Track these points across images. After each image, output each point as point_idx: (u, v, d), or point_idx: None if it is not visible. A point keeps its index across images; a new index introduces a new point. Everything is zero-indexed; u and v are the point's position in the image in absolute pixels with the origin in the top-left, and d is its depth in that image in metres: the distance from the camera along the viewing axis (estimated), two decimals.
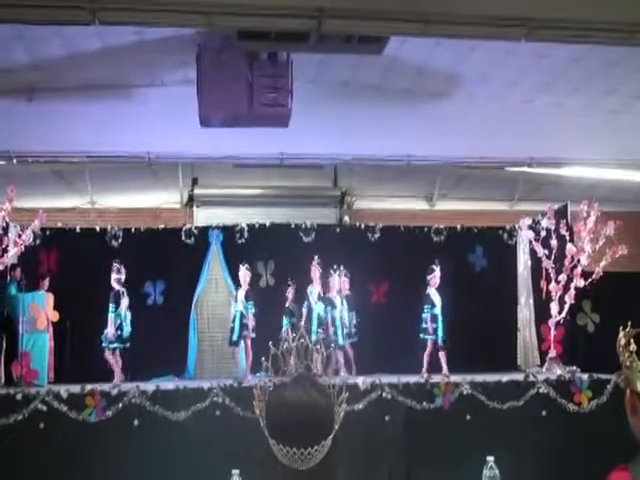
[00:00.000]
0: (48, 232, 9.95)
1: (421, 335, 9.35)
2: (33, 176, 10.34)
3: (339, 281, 9.77)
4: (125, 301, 8.98)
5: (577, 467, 7.14)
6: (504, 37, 6.55)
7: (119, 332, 8.84)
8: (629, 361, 2.01)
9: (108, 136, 9.12)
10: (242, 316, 9.32)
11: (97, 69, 8.71)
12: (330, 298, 9.70)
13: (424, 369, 9.02)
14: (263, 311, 9.65)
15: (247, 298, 9.42)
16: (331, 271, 9.73)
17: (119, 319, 8.88)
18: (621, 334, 2.05)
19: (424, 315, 9.32)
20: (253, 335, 9.34)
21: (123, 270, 9.04)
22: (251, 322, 9.33)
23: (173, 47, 8.24)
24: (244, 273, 9.50)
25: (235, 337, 9.35)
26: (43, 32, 7.53)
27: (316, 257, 9.68)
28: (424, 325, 9.31)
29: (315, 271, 9.65)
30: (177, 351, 10.10)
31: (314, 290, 9.65)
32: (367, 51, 7.40)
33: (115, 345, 8.84)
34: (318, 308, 9.57)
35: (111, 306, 8.88)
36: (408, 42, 7.78)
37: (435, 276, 9.39)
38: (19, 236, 8.76)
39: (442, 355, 9.19)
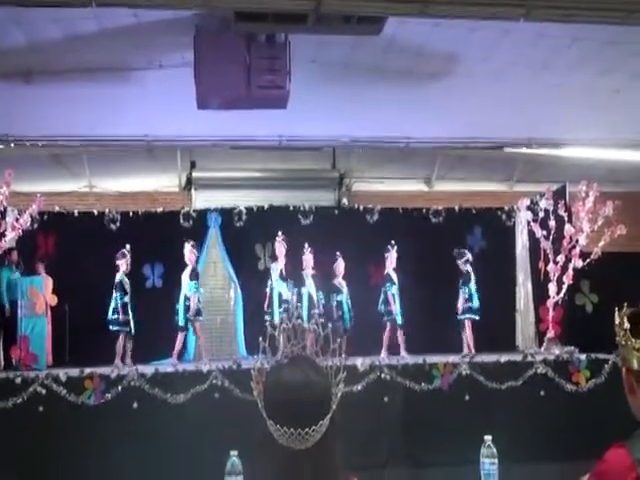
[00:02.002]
0: (46, 216, 9.93)
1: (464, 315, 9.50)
2: (31, 160, 10.31)
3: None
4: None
5: (575, 446, 7.18)
6: (502, 17, 6.52)
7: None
8: (624, 339, 2.04)
9: (106, 119, 9.10)
10: (187, 298, 9.06)
11: (95, 52, 8.67)
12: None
13: (467, 349, 9.26)
14: (262, 293, 9.63)
15: (192, 278, 9.12)
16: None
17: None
18: (616, 314, 2.09)
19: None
20: (201, 318, 9.19)
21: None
22: (193, 304, 9.00)
23: (170, 29, 8.20)
24: (189, 251, 9.22)
25: (181, 321, 9.09)
26: (40, 15, 7.49)
27: (280, 232, 9.59)
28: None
29: (280, 247, 9.51)
30: (176, 334, 10.11)
31: (277, 267, 9.48)
32: (365, 32, 7.36)
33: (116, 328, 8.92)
34: (279, 287, 9.36)
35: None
36: (407, 23, 7.74)
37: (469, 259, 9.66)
38: (17, 220, 8.74)
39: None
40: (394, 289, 9.61)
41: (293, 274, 9.61)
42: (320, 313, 9.18)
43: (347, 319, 9.69)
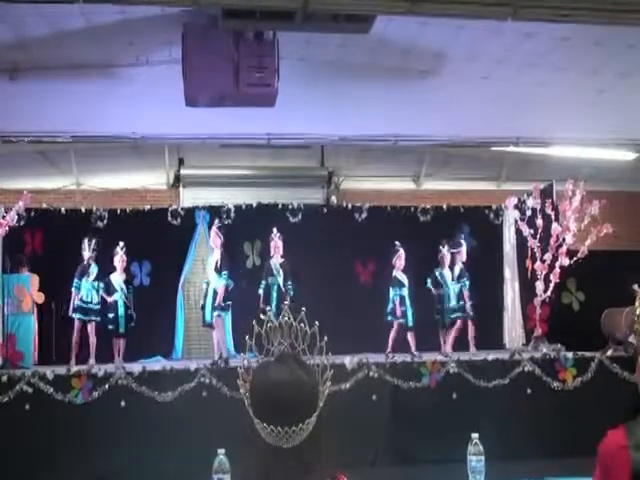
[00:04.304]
0: (33, 213, 9.89)
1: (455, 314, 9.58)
2: (17, 157, 10.26)
3: None
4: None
5: (562, 443, 7.23)
6: (490, 16, 6.52)
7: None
8: None
9: (93, 116, 9.04)
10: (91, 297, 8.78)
11: (81, 48, 8.62)
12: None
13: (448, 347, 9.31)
14: (250, 291, 9.63)
15: (81, 277, 8.84)
16: None
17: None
18: (637, 303, 2.08)
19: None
20: (97, 319, 8.77)
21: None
22: (73, 302, 8.65)
23: (158, 26, 8.17)
24: (86, 247, 8.89)
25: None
26: (26, 11, 7.44)
27: (217, 221, 9.35)
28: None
29: (216, 238, 9.11)
30: (164, 332, 10.10)
31: (212, 260, 9.07)
32: (354, 30, 7.33)
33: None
34: (214, 280, 8.91)
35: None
36: (395, 21, 7.73)
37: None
38: (3, 217, 8.70)
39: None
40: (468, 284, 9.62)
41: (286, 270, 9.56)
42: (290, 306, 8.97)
43: (410, 314, 9.43)
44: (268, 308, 8.63)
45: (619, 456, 1.90)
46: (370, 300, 10.34)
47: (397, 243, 9.59)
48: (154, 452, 7.17)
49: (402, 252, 9.52)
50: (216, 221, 9.38)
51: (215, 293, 8.88)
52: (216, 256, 9.06)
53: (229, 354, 9.01)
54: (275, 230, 9.41)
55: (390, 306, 9.45)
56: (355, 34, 7.61)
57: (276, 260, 9.32)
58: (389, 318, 9.47)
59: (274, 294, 9.12)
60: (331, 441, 1.93)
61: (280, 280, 9.18)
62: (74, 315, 8.72)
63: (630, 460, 1.89)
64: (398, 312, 9.36)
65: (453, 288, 9.56)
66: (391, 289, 9.48)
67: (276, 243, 9.35)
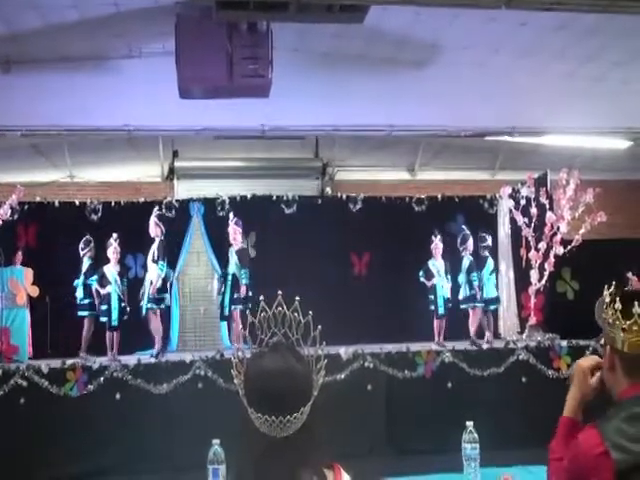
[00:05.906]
0: (27, 207, 9.85)
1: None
2: (10, 150, 10.22)
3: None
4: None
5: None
6: (484, 5, 6.52)
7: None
8: (612, 319, 2.02)
9: (86, 109, 9.01)
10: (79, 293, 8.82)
11: (75, 41, 8.59)
12: None
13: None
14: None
15: (87, 272, 8.85)
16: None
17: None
18: (606, 292, 2.06)
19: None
20: (85, 313, 8.75)
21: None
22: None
23: (151, 18, 8.14)
24: (80, 246, 8.91)
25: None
26: (19, 3, 7.42)
27: (155, 209, 9.07)
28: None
29: (156, 228, 8.73)
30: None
31: (151, 249, 8.70)
32: (348, 20, 7.32)
33: None
34: (151, 269, 8.56)
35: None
36: (389, 11, 7.72)
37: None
38: None
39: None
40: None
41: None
42: (244, 296, 8.66)
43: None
44: (220, 298, 8.54)
45: (598, 461, 1.87)
46: (365, 291, 10.35)
47: (464, 227, 9.60)
48: (149, 444, 7.19)
49: (469, 235, 9.47)
50: (155, 209, 9.14)
51: (151, 282, 8.57)
52: (154, 245, 8.76)
53: (224, 346, 9.01)
54: (232, 215, 9.21)
55: (469, 292, 9.24)
56: (349, 24, 7.59)
57: (232, 248, 9.09)
58: (471, 303, 9.23)
59: (229, 283, 8.94)
60: (325, 431, 1.93)
61: (235, 268, 8.96)
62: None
63: (612, 462, 1.86)
64: (479, 296, 9.24)
65: (491, 280, 9.52)
66: (465, 273, 9.29)
67: (233, 229, 9.09)
